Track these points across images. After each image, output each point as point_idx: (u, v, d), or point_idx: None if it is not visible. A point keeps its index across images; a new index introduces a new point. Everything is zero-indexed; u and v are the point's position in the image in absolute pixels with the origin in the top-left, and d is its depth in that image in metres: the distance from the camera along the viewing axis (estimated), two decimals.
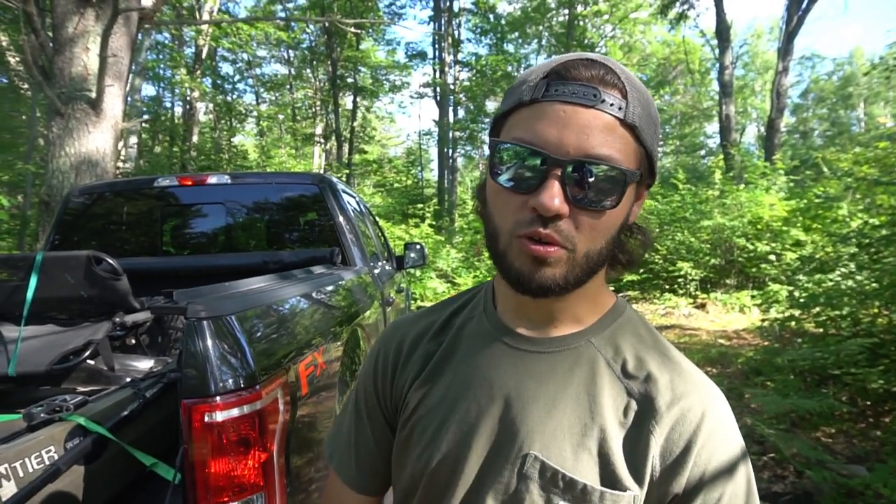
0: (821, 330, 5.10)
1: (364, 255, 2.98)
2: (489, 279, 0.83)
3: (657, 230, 10.98)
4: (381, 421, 0.82)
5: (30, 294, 1.78)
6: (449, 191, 20.74)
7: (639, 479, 0.62)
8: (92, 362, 1.81)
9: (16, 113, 10.67)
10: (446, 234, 15.84)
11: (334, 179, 3.15)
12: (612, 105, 0.60)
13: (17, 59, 9.23)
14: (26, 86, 10.24)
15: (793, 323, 5.54)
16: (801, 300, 5.21)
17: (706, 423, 0.63)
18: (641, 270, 10.52)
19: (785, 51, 14.70)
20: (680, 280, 9.99)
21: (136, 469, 1.30)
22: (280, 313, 1.44)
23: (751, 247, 9.27)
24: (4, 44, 9.82)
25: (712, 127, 28.34)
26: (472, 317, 0.78)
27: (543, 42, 23.71)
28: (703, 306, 9.25)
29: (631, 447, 0.63)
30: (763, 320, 6.24)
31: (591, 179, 0.60)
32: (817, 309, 4.98)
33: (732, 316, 8.77)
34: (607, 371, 0.67)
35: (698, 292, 9.82)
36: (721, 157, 13.46)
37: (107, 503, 1.30)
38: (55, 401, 1.24)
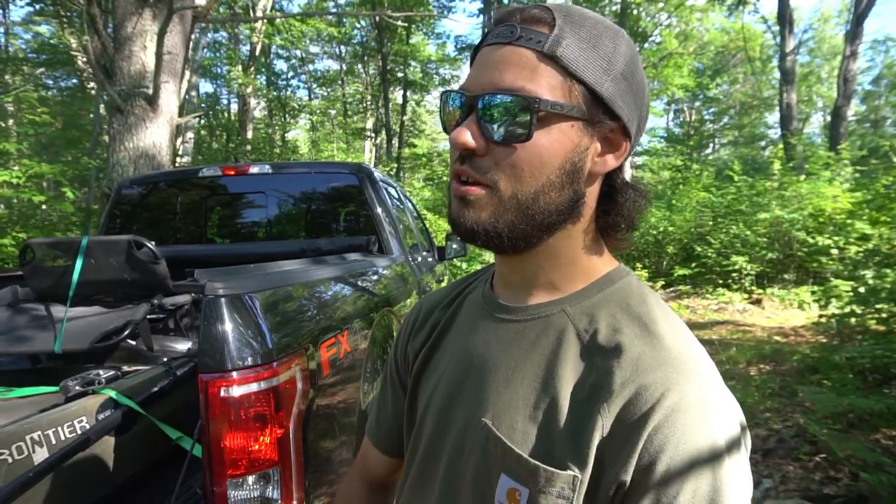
0: (884, 327, 4.83)
1: (402, 244, 3.01)
2: None
3: (711, 223, 10.64)
4: (398, 386, 0.85)
5: (76, 276, 1.88)
6: None
7: (580, 460, 0.56)
8: (133, 342, 1.89)
9: (83, 111, 11.23)
10: None
11: (373, 169, 3.18)
12: (529, 39, 0.58)
13: (84, 60, 9.70)
14: (92, 85, 10.76)
15: (853, 319, 5.26)
16: (862, 296, 4.94)
17: (664, 404, 0.54)
18: (693, 264, 10.23)
19: (853, 34, 13.93)
20: (734, 275, 9.64)
21: (166, 444, 1.35)
22: (303, 295, 1.47)
23: (811, 240, 8.85)
24: (73, 46, 10.35)
25: (773, 117, 27.21)
26: (476, 287, 0.78)
27: None
28: (758, 302, 8.90)
29: (578, 424, 0.57)
30: (821, 316, 5.96)
31: (497, 112, 0.58)
32: (880, 305, 4.72)
33: (790, 312, 8.41)
34: (575, 342, 0.62)
35: (754, 287, 9.45)
36: (781, 147, 12.91)
37: (136, 475, 1.36)
38: (89, 375, 1.31)
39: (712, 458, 0.53)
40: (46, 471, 1.08)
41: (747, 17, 19.61)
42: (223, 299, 1.13)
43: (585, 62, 0.59)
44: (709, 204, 11.14)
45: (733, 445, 0.55)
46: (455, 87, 0.63)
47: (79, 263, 1.87)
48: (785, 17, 15.05)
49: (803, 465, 3.28)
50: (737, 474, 0.54)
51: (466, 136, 0.59)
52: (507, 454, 0.60)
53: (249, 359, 1.13)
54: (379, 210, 2.94)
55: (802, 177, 10.45)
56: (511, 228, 0.61)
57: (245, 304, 1.17)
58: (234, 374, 1.11)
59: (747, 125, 28.00)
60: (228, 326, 1.12)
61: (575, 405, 0.59)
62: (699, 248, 10.21)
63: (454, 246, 4.54)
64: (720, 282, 9.83)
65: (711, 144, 28.92)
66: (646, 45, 19.83)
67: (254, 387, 1.12)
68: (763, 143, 28.43)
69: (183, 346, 1.99)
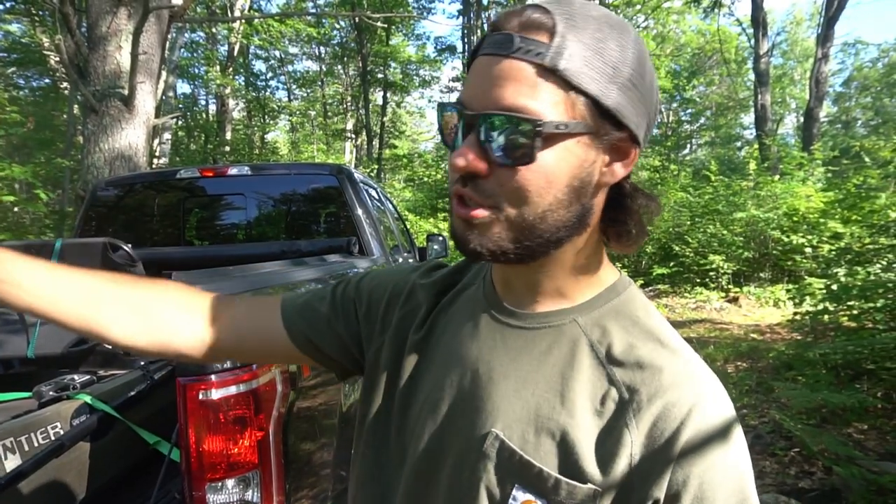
0: (855, 324, 4.94)
1: (382, 245, 3.00)
2: None
3: (688, 223, 10.78)
4: (351, 317, 0.79)
5: None
6: None
7: (605, 474, 0.56)
8: (109, 346, 1.86)
9: (56, 112, 11.02)
10: None
11: (353, 170, 3.17)
12: (528, 51, 0.54)
13: (57, 59, 9.52)
14: (65, 85, 10.57)
15: (826, 316, 5.38)
16: (834, 293, 5.05)
17: (693, 419, 0.55)
18: (671, 263, 10.36)
19: (825, 37, 14.22)
20: (712, 273, 9.78)
21: (143, 449, 1.33)
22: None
23: (786, 239, 9.02)
24: (46, 45, 10.16)
25: (749, 118, 27.65)
26: (474, 283, 0.75)
27: None
28: (735, 300, 9.04)
29: (602, 439, 0.57)
30: (796, 314, 6.07)
31: (496, 133, 0.55)
32: (851, 301, 4.82)
33: (766, 310, 8.56)
34: (589, 354, 0.61)
35: (731, 286, 9.60)
36: (756, 147, 13.12)
37: (113, 481, 1.34)
38: (63, 380, 1.28)
39: (741, 464, 0.57)
40: (18, 478, 1.06)
41: (723, 20, 19.90)
42: None
43: (590, 72, 0.55)
44: (686, 204, 11.28)
45: (746, 455, 0.58)
46: (453, 98, 0.61)
47: None
48: (758, 20, 15.32)
49: (779, 461, 3.34)
50: (752, 482, 0.58)
51: (468, 160, 0.56)
52: (525, 466, 0.59)
53: (228, 361, 1.12)
54: (359, 211, 2.93)
55: (777, 177, 10.65)
56: (518, 247, 0.59)
57: None
58: (213, 376, 1.10)
59: (723, 126, 28.46)
60: None
61: (594, 419, 0.58)
62: (677, 248, 10.34)
63: (435, 247, 4.55)
64: (698, 281, 9.97)
65: (689, 145, 29.31)
66: None
67: (233, 389, 1.11)
68: (739, 144, 28.92)
69: None
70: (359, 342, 0.79)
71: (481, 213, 0.58)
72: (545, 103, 0.54)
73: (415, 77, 22.78)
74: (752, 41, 16.26)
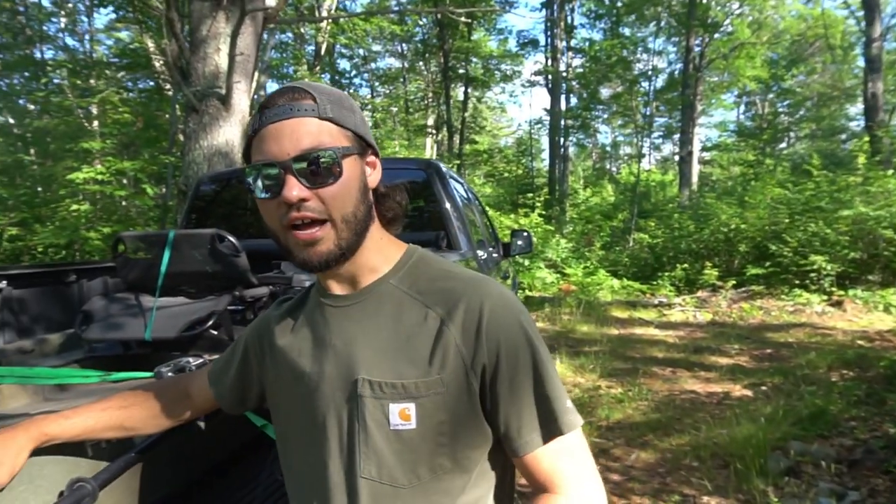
0: None
1: (470, 240, 2.99)
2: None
3: (787, 220, 10.14)
4: (251, 365, 1.04)
5: (163, 267, 1.96)
6: (560, 180, 20.29)
7: (444, 365, 0.82)
8: (215, 332, 1.96)
9: (159, 112, 11.77)
10: (556, 224, 15.57)
11: (442, 165, 3.18)
12: (305, 110, 0.81)
13: (161, 62, 10.17)
14: (168, 87, 11.26)
15: None
16: None
17: (486, 307, 0.83)
18: (767, 263, 9.78)
19: None
20: (812, 275, 9.16)
21: (251, 431, 1.38)
22: None
23: None
24: (151, 49, 10.87)
25: (856, 108, 25.60)
26: (310, 295, 0.99)
27: (662, 24, 22.52)
28: (839, 304, 8.42)
29: (434, 344, 0.83)
30: None
31: (311, 165, 0.79)
32: None
33: (875, 315, 7.92)
34: (407, 297, 0.87)
35: (834, 288, 8.95)
36: (866, 140, 12.16)
37: (222, 461, 1.40)
38: (180, 361, 1.35)
39: (525, 326, 0.85)
40: (143, 453, 1.13)
41: (827, 3, 18.55)
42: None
43: (343, 115, 0.84)
44: (784, 200, 10.63)
45: (528, 316, 0.87)
46: (257, 161, 0.82)
47: (166, 256, 1.95)
48: (871, 2, 14.14)
49: (893, 478, 3.08)
50: (538, 333, 0.87)
51: (296, 192, 0.79)
52: (390, 387, 0.82)
53: None
54: (447, 205, 2.93)
55: (890, 171, 9.81)
56: (348, 243, 0.84)
57: None
58: None
59: (826, 117, 26.47)
60: None
61: (425, 334, 0.84)
62: (774, 247, 9.75)
63: (519, 242, 4.51)
64: (797, 282, 9.36)
65: (786, 138, 27.54)
66: (716, 36, 19.03)
67: None
68: (843, 136, 26.81)
69: None
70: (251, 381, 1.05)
71: (318, 230, 0.81)
72: (331, 138, 0.82)
73: (496, 72, 22.65)
74: (863, 24, 15.05)
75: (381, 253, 0.91)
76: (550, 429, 0.83)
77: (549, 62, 20.87)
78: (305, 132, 0.80)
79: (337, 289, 0.92)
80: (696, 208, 13.56)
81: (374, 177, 0.90)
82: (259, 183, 0.82)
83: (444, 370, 0.82)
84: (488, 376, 0.82)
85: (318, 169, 0.80)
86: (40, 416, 0.98)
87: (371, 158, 0.90)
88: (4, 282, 2.24)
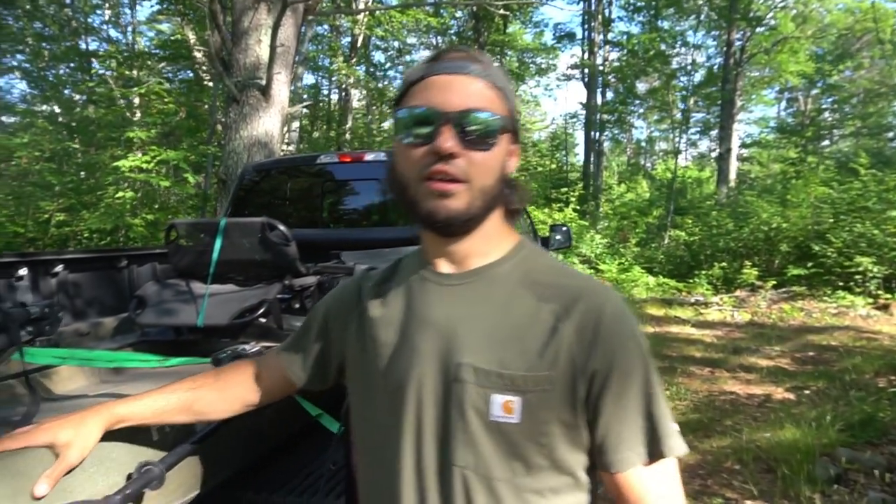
0: None
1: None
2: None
3: (831, 220, 9.84)
4: (328, 341, 1.01)
5: (215, 255, 1.98)
6: (594, 175, 20.02)
7: (554, 363, 0.78)
8: (264, 320, 1.98)
9: (199, 103, 11.97)
10: (591, 220, 15.40)
11: None
12: (479, 73, 0.81)
13: (203, 52, 10.33)
14: (208, 77, 11.45)
15: None
16: None
17: (605, 313, 0.79)
18: (809, 264, 9.51)
19: None
20: (857, 277, 8.87)
21: (304, 419, 1.39)
22: None
23: None
24: (192, 41, 11.05)
25: None
26: (409, 266, 0.95)
27: (702, 17, 21.99)
28: (885, 307, 8.15)
29: (545, 341, 0.79)
30: None
31: (472, 126, 0.78)
32: None
33: None
34: (519, 287, 0.84)
35: (881, 291, 8.66)
36: None
37: (275, 449, 1.41)
38: (237, 348, 1.36)
39: (638, 337, 0.81)
40: (206, 438, 1.14)
41: None
42: None
43: (508, 92, 0.84)
44: (829, 200, 10.32)
45: (641, 332, 0.83)
46: (416, 106, 0.81)
47: (218, 243, 1.97)
48: None
49: None
50: (646, 343, 0.83)
51: (450, 143, 0.77)
52: (497, 378, 0.79)
53: None
54: None
55: None
56: (478, 211, 0.81)
57: None
58: None
59: (874, 114, 25.56)
60: None
61: (536, 329, 0.80)
62: (817, 247, 9.47)
63: (558, 237, 4.48)
64: (840, 284, 9.09)
65: (830, 136, 26.70)
66: (758, 30, 18.51)
67: None
68: (891, 135, 25.87)
69: None
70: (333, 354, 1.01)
71: (455, 185, 0.79)
72: (497, 107, 0.81)
73: (531, 65, 22.44)
74: None
75: (497, 239, 0.88)
76: (652, 450, 0.79)
77: (586, 55, 20.60)
78: (477, 92, 0.80)
79: (445, 266, 0.88)
80: (735, 206, 13.25)
81: (512, 165, 0.88)
82: (411, 129, 0.81)
83: (554, 368, 0.78)
84: (597, 383, 0.79)
85: (477, 130, 0.79)
86: (110, 399, 0.98)
87: (514, 146, 0.88)
88: (61, 265, 2.30)
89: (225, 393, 1.04)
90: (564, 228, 4.48)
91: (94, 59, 12.49)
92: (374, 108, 20.77)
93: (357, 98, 19.74)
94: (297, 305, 2.32)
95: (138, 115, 11.24)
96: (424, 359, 0.83)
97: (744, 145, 25.25)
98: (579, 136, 25.52)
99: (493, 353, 0.80)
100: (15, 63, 12.03)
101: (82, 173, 9.73)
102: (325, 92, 21.93)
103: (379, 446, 0.88)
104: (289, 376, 1.04)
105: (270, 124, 6.09)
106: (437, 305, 0.86)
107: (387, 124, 21.64)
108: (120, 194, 8.23)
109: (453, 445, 0.80)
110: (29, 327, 1.26)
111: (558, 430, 0.79)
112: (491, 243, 0.87)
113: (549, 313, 0.81)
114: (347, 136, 16.71)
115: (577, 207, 14.99)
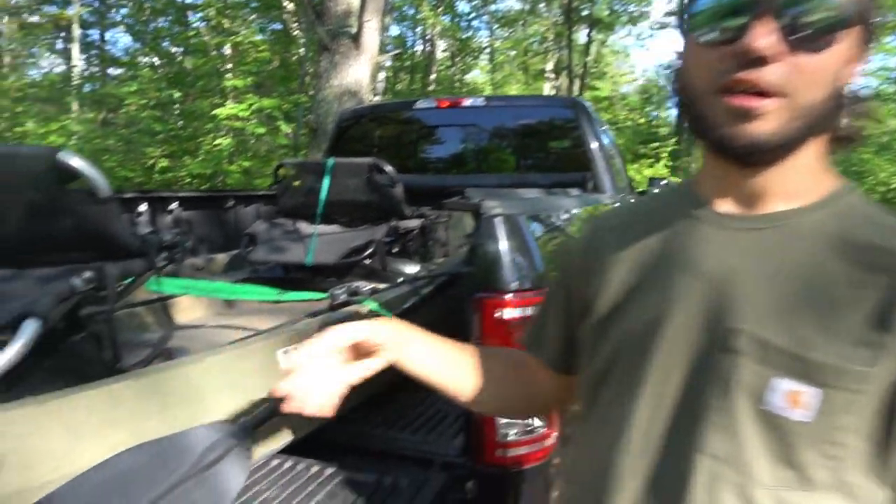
0: None
1: (615, 183, 2.84)
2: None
3: None
4: (571, 309, 0.81)
5: (323, 194, 1.99)
6: (688, 130, 19.03)
7: (876, 356, 0.55)
8: (368, 262, 1.98)
9: (287, 53, 12.19)
10: (684, 176, 14.69)
11: (588, 104, 3.01)
12: None
13: (293, 1, 10.44)
14: (296, 27, 11.60)
15: None
16: None
17: None
18: None
19: None
20: None
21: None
22: (559, 222, 1.39)
23: None
24: None
25: None
26: (668, 204, 0.75)
27: None
28: None
29: (872, 322, 0.56)
30: None
31: (808, 16, 0.54)
32: None
33: None
34: (836, 245, 0.61)
35: None
36: None
37: (393, 385, 1.41)
38: (353, 286, 1.35)
39: None
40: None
41: None
42: (499, 219, 1.08)
43: None
44: None
45: None
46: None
47: (326, 183, 1.97)
48: None
49: None
50: None
51: (767, 41, 0.54)
52: (789, 358, 0.58)
53: (523, 281, 1.08)
54: (595, 146, 2.78)
55: None
56: (794, 135, 0.58)
57: (519, 224, 1.12)
58: (511, 295, 1.07)
59: None
60: (504, 246, 1.08)
61: (861, 305, 0.57)
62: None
63: (656, 191, 4.26)
64: None
65: None
66: None
67: (528, 311, 1.07)
68: None
69: (411, 268, 2.05)
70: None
71: (768, 102, 0.56)
72: None
73: (623, 14, 21.28)
74: None
75: (811, 176, 0.65)
76: None
77: (683, 1, 19.28)
78: None
79: (729, 205, 0.67)
80: (847, 164, 12.23)
81: (853, 72, 0.62)
82: (716, 20, 0.58)
83: (876, 363, 0.56)
84: None
85: (816, 23, 0.55)
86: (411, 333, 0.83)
87: (861, 47, 0.60)
88: (175, 203, 2.39)
89: (527, 390, 0.88)
90: (665, 182, 4.27)
91: (189, 12, 12.91)
92: (457, 59, 20.48)
93: (441, 49, 19.49)
94: (397, 249, 2.32)
95: (230, 65, 11.58)
96: (685, 315, 0.64)
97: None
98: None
99: (785, 326, 0.59)
100: (119, 17, 12.64)
101: (180, 122, 10.20)
102: (409, 43, 21.77)
103: (605, 413, 0.72)
104: (546, 367, 0.86)
105: (361, 73, 6.09)
106: (711, 251, 0.65)
107: (468, 76, 21.30)
108: (218, 141, 8.57)
109: (704, 427, 0.62)
110: (163, 253, 1.29)
111: (859, 446, 0.58)
112: (802, 182, 0.64)
113: (879, 289, 0.58)
114: (432, 87, 16.58)
115: (669, 163, 14.30)
